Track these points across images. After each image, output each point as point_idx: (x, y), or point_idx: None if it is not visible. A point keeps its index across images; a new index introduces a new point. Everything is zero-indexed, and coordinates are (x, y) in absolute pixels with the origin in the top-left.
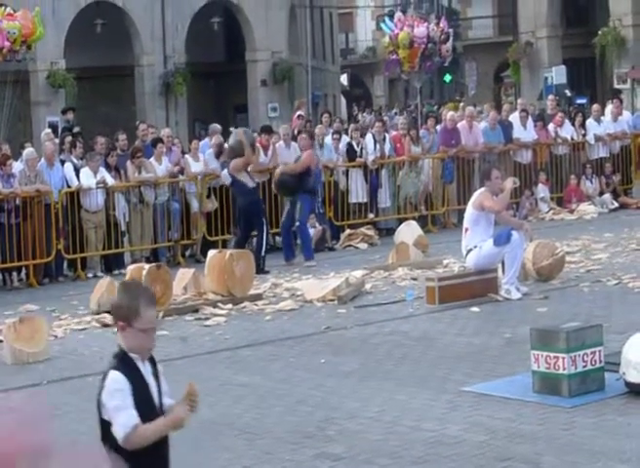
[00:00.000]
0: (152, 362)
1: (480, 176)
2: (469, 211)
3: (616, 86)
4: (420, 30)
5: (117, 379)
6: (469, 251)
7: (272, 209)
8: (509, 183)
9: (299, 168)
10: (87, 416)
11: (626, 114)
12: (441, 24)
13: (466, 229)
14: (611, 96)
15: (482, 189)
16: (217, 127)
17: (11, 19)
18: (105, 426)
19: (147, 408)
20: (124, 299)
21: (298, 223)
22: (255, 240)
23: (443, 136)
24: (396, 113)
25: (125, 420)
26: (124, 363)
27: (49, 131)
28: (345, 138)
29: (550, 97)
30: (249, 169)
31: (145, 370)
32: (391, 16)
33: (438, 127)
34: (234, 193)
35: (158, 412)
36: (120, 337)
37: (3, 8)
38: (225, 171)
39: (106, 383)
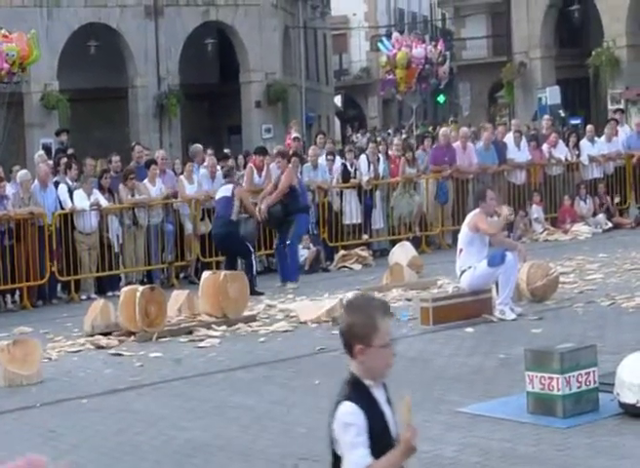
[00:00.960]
0: (384, 386)
1: (474, 197)
2: (464, 231)
3: (610, 107)
4: (419, 51)
5: (351, 412)
6: (463, 271)
7: (266, 230)
8: (506, 210)
9: (282, 192)
10: (82, 439)
11: (622, 134)
12: (439, 46)
13: (461, 250)
14: (609, 116)
15: (477, 210)
16: (198, 147)
17: (7, 41)
18: (336, 459)
19: (384, 440)
20: (357, 317)
21: (288, 242)
22: (244, 263)
23: (435, 154)
24: (389, 134)
25: (356, 460)
26: (358, 392)
27: (42, 152)
28: (339, 160)
29: (546, 117)
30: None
31: (380, 396)
32: (389, 36)
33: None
34: (217, 213)
35: (394, 443)
36: (356, 364)
37: None
38: (230, 187)
39: (338, 415)
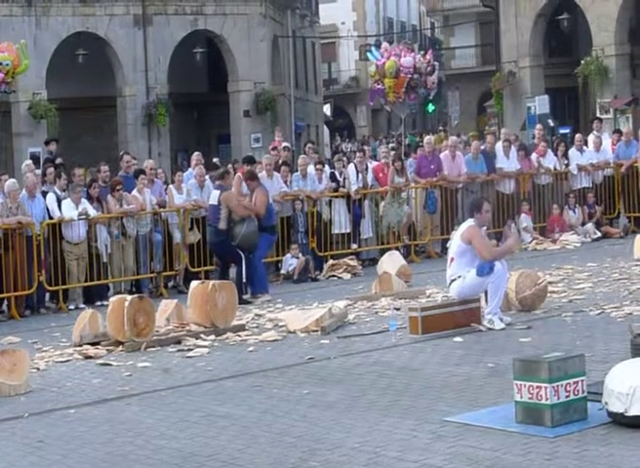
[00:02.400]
0: None
1: (470, 207)
2: (457, 242)
3: (598, 115)
4: (407, 60)
5: None
6: (453, 280)
7: None
8: (513, 241)
9: (261, 209)
10: (70, 449)
11: (606, 141)
12: (427, 56)
13: (452, 259)
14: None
15: (471, 222)
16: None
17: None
18: None
19: None
20: None
21: (253, 258)
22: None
23: (420, 162)
24: (380, 142)
25: None
26: None
27: (30, 162)
28: (327, 169)
29: (538, 126)
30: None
31: None
32: (378, 46)
33: None
34: (208, 221)
35: None
36: None
37: None
38: (217, 194)
39: None
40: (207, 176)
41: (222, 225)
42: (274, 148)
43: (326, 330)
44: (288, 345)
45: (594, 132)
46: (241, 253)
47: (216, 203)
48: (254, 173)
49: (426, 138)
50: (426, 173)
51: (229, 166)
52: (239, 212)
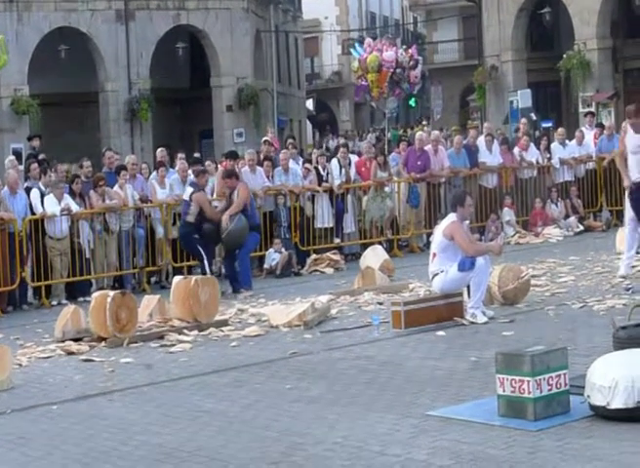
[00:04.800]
0: None
1: (452, 201)
2: (439, 238)
3: (581, 110)
4: (389, 54)
5: None
6: (435, 275)
7: None
8: (500, 243)
9: (240, 206)
10: (52, 445)
11: (588, 135)
12: (410, 51)
13: (434, 254)
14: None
15: (453, 217)
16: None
17: None
18: None
19: None
20: None
21: (237, 260)
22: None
23: (407, 157)
24: (361, 139)
25: None
26: None
27: (12, 158)
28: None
29: (523, 120)
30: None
31: None
32: (361, 41)
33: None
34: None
35: None
36: None
37: None
38: (190, 191)
39: None
40: (189, 171)
41: (190, 218)
42: (266, 142)
43: (309, 324)
44: (271, 340)
45: (586, 126)
46: (202, 252)
47: (187, 199)
48: (231, 171)
49: (417, 134)
50: (412, 168)
51: (207, 163)
52: (210, 214)
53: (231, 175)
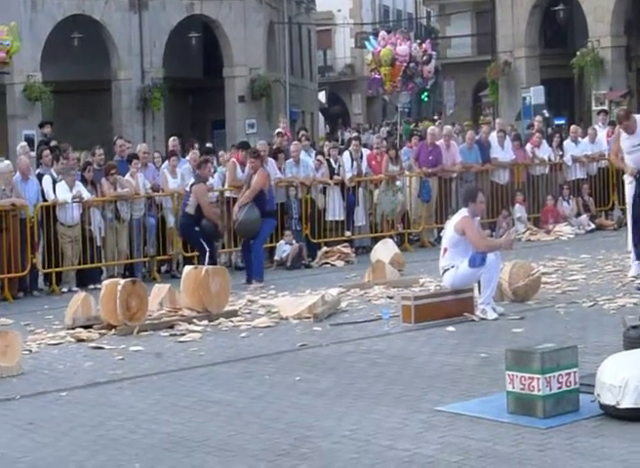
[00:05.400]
0: None
1: (464, 196)
2: (450, 232)
3: (594, 107)
4: (403, 48)
5: None
6: (446, 270)
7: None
8: (510, 237)
9: (250, 197)
10: (61, 431)
11: (601, 133)
12: (424, 45)
13: (445, 249)
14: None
15: (464, 212)
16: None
17: None
18: None
19: None
20: None
21: (253, 243)
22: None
23: (419, 152)
24: (373, 132)
25: None
26: None
27: (24, 144)
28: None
29: (537, 118)
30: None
31: None
32: (376, 34)
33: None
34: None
35: None
36: None
37: None
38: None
39: None
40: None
41: (190, 210)
42: (280, 134)
43: (318, 317)
44: (280, 332)
45: (599, 123)
46: (205, 244)
47: (188, 190)
48: (258, 152)
49: (429, 129)
50: (423, 162)
51: (221, 153)
52: (205, 209)
53: (257, 155)
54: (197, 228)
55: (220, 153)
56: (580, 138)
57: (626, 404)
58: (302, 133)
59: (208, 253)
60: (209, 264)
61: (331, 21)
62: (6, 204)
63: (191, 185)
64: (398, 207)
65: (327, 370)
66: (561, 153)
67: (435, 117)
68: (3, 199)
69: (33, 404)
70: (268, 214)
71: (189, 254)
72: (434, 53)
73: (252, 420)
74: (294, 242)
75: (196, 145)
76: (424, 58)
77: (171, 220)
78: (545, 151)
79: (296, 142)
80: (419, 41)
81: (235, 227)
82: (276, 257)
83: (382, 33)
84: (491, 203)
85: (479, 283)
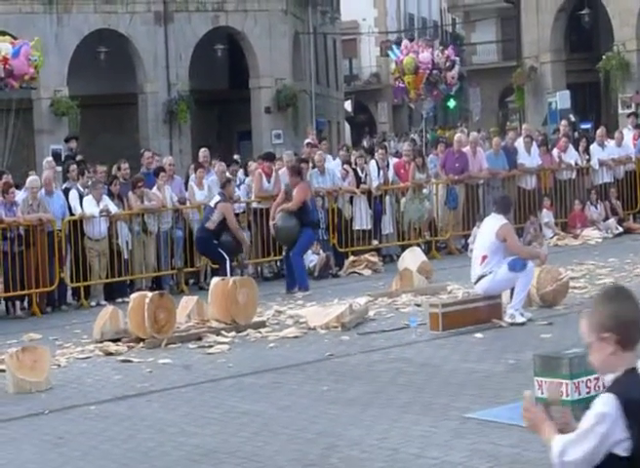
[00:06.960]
0: None
1: (501, 205)
2: (490, 239)
3: (620, 111)
4: (425, 56)
5: (606, 403)
6: (482, 277)
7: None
8: (543, 255)
9: (295, 205)
10: (90, 445)
11: (627, 136)
12: (447, 52)
13: (484, 257)
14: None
15: (504, 221)
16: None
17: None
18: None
19: None
20: (624, 310)
21: (292, 253)
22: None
23: (446, 159)
24: (400, 139)
25: (569, 449)
26: (628, 385)
27: (50, 159)
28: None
29: (563, 122)
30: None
31: None
32: (399, 43)
33: None
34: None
35: None
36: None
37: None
38: (217, 199)
39: (594, 403)
40: (227, 173)
41: (211, 225)
42: (309, 144)
43: (346, 326)
44: (308, 342)
45: (629, 126)
46: (225, 255)
47: (213, 206)
48: (297, 168)
49: (456, 136)
50: (450, 169)
51: (249, 163)
52: (232, 225)
53: (296, 172)
54: (215, 241)
55: (250, 163)
56: (606, 142)
57: None
58: (324, 143)
59: (228, 262)
60: (229, 273)
61: (356, 31)
62: (33, 219)
63: (217, 202)
64: (425, 214)
65: (355, 379)
66: (588, 157)
67: (458, 124)
68: (30, 214)
69: (62, 418)
70: (309, 224)
71: (217, 266)
72: (457, 58)
73: (280, 431)
74: (321, 252)
75: (215, 161)
76: (447, 64)
77: None
78: (572, 156)
79: (320, 152)
80: (441, 47)
81: (273, 233)
82: None
83: (405, 41)
84: (518, 209)
85: (511, 289)
